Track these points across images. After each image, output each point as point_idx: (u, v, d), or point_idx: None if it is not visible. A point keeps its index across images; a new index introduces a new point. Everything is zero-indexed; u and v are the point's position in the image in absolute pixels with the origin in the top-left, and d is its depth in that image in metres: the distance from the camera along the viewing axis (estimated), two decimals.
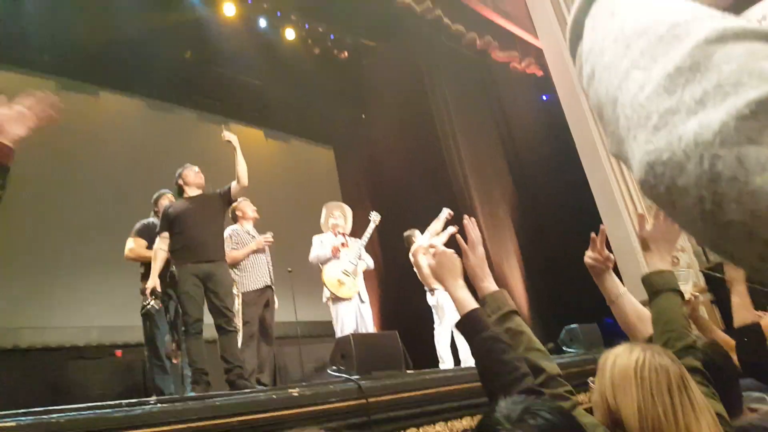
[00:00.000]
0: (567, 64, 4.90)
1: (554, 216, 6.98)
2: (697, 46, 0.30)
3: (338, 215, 5.10)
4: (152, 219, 4.37)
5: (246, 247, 4.40)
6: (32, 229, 5.40)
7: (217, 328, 3.58)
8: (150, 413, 1.80)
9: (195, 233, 3.64)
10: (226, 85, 7.66)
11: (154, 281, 3.72)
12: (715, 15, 0.32)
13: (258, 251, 4.43)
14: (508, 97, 7.98)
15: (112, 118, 6.58)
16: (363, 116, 9.09)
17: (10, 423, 1.51)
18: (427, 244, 5.08)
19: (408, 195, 7.47)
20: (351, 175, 9.07)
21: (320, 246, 4.88)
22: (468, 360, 5.02)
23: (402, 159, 7.85)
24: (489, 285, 1.35)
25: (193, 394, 3.30)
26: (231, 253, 4.28)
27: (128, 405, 1.88)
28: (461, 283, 1.32)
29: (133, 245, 4.24)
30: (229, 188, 3.91)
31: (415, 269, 5.34)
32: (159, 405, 1.89)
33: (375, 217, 5.29)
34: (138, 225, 4.34)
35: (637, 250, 4.37)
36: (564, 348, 4.67)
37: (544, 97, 7.53)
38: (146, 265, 3.98)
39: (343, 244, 4.90)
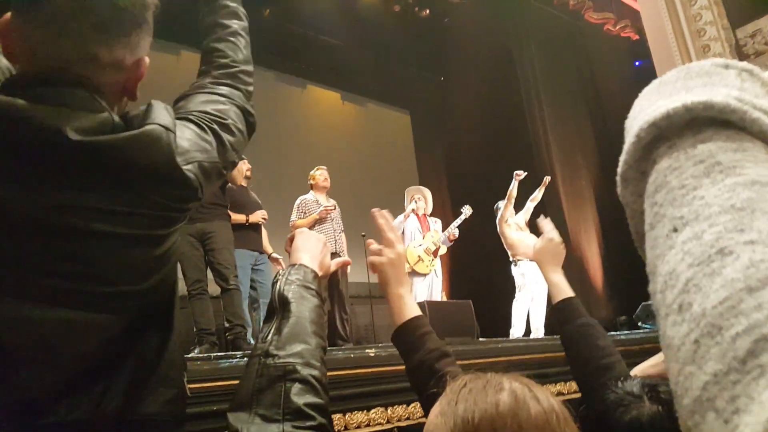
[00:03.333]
0: (665, 27, 4.57)
1: None
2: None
3: (419, 198, 5.38)
4: None
5: (310, 215, 4.52)
6: None
7: (219, 287, 3.61)
8: (237, 366, 1.96)
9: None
10: (304, 45, 7.65)
11: None
12: None
13: (323, 220, 4.52)
14: (598, 62, 7.56)
15: (190, 77, 6.79)
16: (442, 79, 8.94)
17: None
18: (523, 221, 5.43)
19: (485, 162, 7.36)
20: (427, 141, 9.02)
21: (399, 224, 5.21)
22: (539, 331, 5.05)
23: (481, 125, 7.69)
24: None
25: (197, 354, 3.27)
26: (296, 221, 4.50)
27: (216, 358, 2.04)
28: (560, 270, 1.35)
29: None
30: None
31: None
32: (245, 358, 2.05)
33: (467, 211, 5.52)
34: None
35: None
36: (639, 324, 4.55)
37: (637, 63, 7.09)
38: None
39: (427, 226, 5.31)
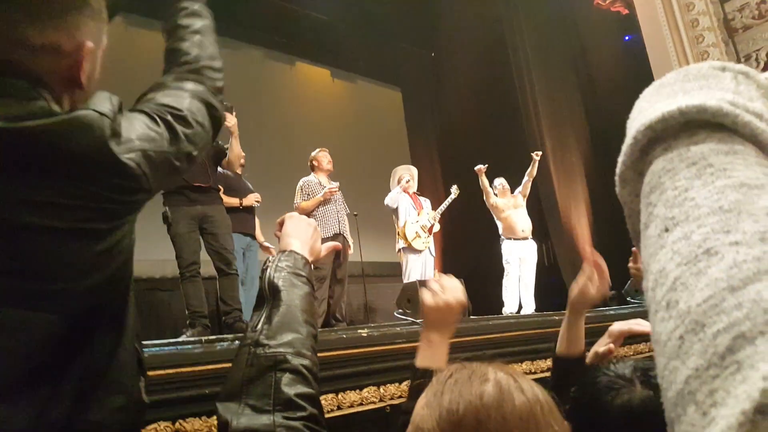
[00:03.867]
0: (654, 1, 4.53)
1: None
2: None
3: (408, 176, 5.43)
4: None
5: (314, 198, 4.53)
6: None
7: (217, 271, 3.60)
8: (228, 349, 1.97)
9: (189, 176, 3.51)
10: (293, 20, 7.46)
11: None
12: None
13: (326, 201, 4.54)
14: (589, 37, 7.48)
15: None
16: (433, 54, 8.84)
17: None
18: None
19: (477, 138, 7.33)
20: (419, 118, 8.96)
21: (395, 197, 5.29)
22: (529, 307, 5.13)
23: (472, 101, 7.64)
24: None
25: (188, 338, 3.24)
26: (301, 204, 4.51)
27: (207, 341, 2.05)
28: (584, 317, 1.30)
29: None
30: (226, 152, 3.79)
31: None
32: (236, 342, 2.06)
33: (455, 191, 5.61)
34: None
35: None
36: (628, 299, 4.60)
37: (627, 38, 7.03)
38: None
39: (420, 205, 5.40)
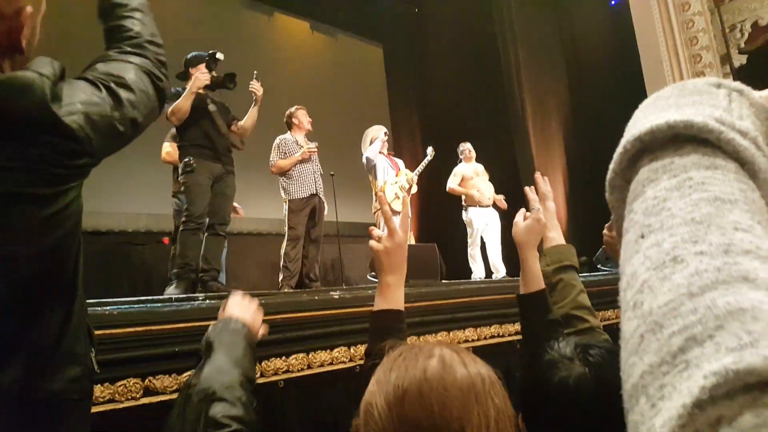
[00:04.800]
0: None
1: (607, 134, 6.68)
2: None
3: (384, 135, 5.34)
4: None
5: (292, 156, 4.47)
6: None
7: (209, 227, 3.61)
8: (199, 308, 1.96)
9: (216, 135, 3.63)
10: None
11: None
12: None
13: (304, 160, 4.49)
14: (575, 1, 7.39)
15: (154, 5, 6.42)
16: (416, 10, 8.64)
17: None
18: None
19: (457, 101, 7.26)
20: (399, 76, 8.81)
21: (375, 152, 5.22)
22: (499, 272, 5.22)
23: (454, 60, 7.53)
24: (556, 237, 1.37)
25: (173, 293, 3.27)
26: (278, 162, 4.45)
27: (178, 300, 2.04)
28: (537, 255, 1.32)
29: (170, 149, 4.31)
30: (236, 123, 3.84)
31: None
32: (207, 301, 2.05)
33: (430, 152, 5.56)
34: (173, 129, 4.24)
35: None
36: (599, 266, 4.70)
37: (613, 2, 6.96)
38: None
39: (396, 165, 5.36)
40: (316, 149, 4.57)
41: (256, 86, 3.90)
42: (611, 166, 0.39)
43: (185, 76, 3.78)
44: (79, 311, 0.89)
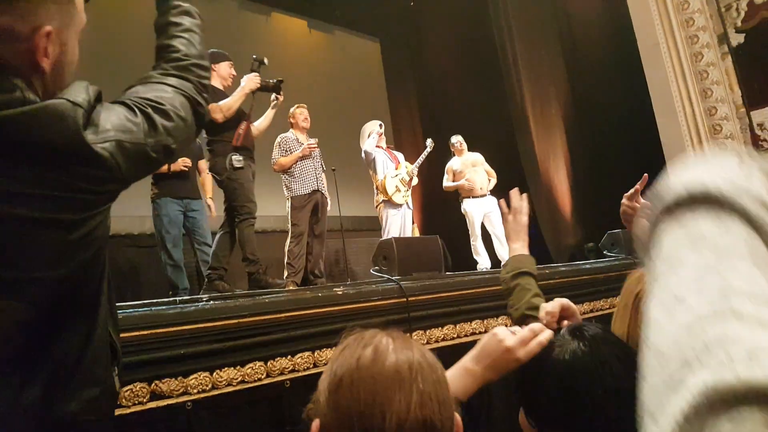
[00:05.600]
0: None
1: (607, 119, 6.66)
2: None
3: (380, 128, 5.39)
4: None
5: (292, 154, 4.48)
6: None
7: (221, 225, 3.73)
8: (203, 310, 1.97)
9: (251, 135, 3.76)
10: None
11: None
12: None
13: (305, 157, 4.50)
14: None
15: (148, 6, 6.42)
16: (412, 4, 8.60)
17: None
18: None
19: (456, 92, 7.23)
20: (398, 71, 8.78)
21: (373, 146, 5.28)
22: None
23: (452, 53, 7.49)
24: (519, 248, 1.43)
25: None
26: (279, 159, 4.48)
27: (182, 302, 2.04)
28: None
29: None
30: (252, 124, 3.94)
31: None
32: (212, 302, 2.06)
33: (430, 144, 5.61)
34: None
35: (688, 150, 4.28)
36: (605, 252, 4.68)
37: None
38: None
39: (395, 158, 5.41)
40: (316, 145, 4.58)
41: (280, 98, 4.07)
42: (657, 203, 0.44)
43: None
44: (102, 332, 0.90)
